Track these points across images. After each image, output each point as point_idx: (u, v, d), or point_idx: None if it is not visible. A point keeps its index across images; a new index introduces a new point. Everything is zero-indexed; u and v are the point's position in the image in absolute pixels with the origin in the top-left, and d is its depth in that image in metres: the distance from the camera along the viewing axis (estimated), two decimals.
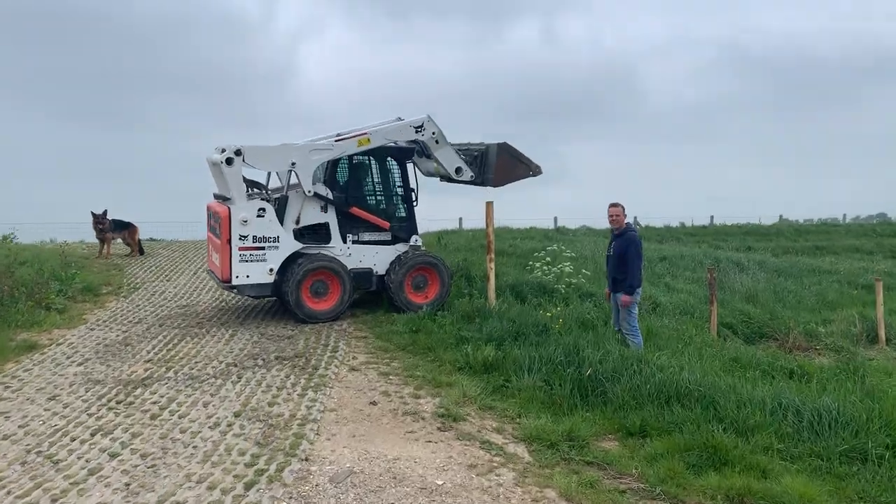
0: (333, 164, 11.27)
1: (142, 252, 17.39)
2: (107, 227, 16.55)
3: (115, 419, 6.70)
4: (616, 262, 9.10)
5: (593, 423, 6.69)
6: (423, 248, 12.05)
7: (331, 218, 11.18)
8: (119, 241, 17.58)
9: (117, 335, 10.10)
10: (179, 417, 6.75)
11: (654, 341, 9.66)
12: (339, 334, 10.11)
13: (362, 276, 11.34)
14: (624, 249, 8.99)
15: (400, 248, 11.67)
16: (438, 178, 12.59)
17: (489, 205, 11.78)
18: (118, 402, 7.21)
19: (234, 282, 10.41)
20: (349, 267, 11.18)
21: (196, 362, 8.68)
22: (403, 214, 11.88)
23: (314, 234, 11.14)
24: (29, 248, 17.24)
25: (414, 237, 11.75)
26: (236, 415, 6.79)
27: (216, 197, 11.14)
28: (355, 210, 11.30)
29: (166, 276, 14.96)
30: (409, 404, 7.19)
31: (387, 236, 11.67)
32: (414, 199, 11.92)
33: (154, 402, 7.18)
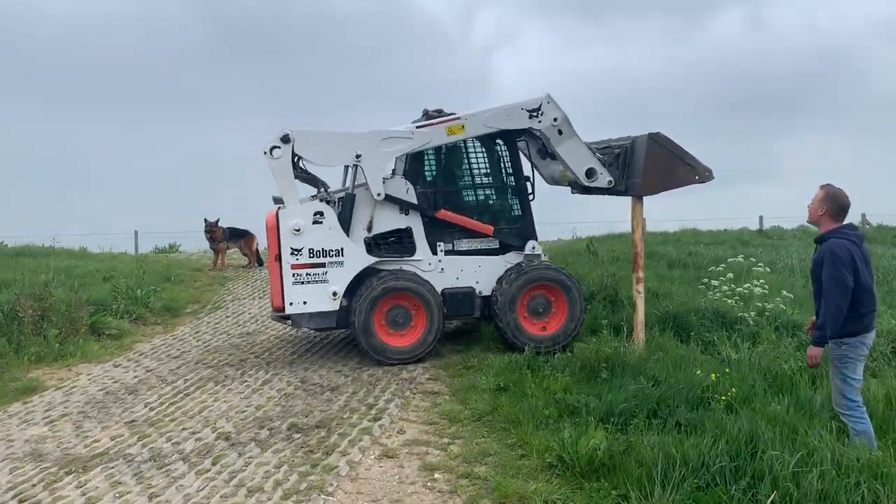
0: (417, 152, 8.38)
1: (260, 263, 15.61)
2: (219, 235, 14.94)
3: None
4: (817, 287, 5.34)
5: None
6: (546, 259, 8.80)
7: (415, 221, 8.31)
8: (235, 250, 16.01)
9: (136, 375, 7.94)
10: None
11: None
12: (403, 386, 7.17)
13: (460, 298, 8.32)
14: (815, 267, 5.22)
15: (511, 258, 8.54)
16: (570, 188, 9.25)
17: (636, 202, 8.25)
18: (21, 502, 4.84)
19: (288, 310, 7.87)
20: (441, 287, 8.26)
21: (184, 429, 6.17)
22: (515, 213, 8.72)
23: (393, 243, 8.34)
24: (117, 257, 16.15)
25: (531, 243, 8.54)
26: None
27: (275, 201, 8.67)
28: (445, 214, 8.33)
29: (264, 291, 12.92)
30: None
31: (493, 243, 8.57)
32: (529, 191, 8.71)
33: None
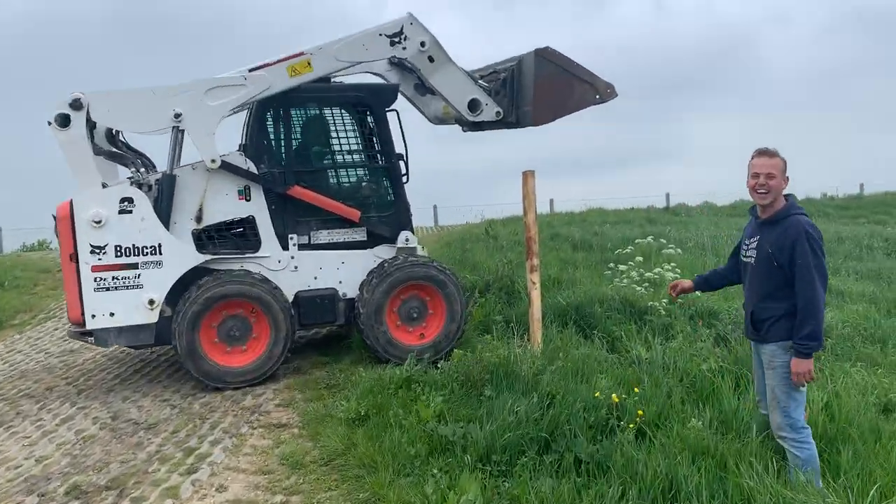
0: (258, 118, 6.82)
1: None
2: None
3: None
4: (762, 276, 4.17)
5: None
6: (425, 254, 7.45)
7: (258, 209, 6.71)
8: None
9: None
10: None
11: (843, 441, 4.60)
12: (241, 418, 5.65)
13: (318, 302, 6.81)
14: (782, 250, 4.04)
15: (382, 252, 7.10)
16: (459, 126, 7.83)
17: (528, 176, 6.96)
18: None
19: (90, 324, 6.18)
20: (294, 289, 6.76)
21: None
22: (387, 198, 7.28)
23: (231, 237, 6.77)
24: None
25: (404, 234, 7.14)
26: None
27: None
28: (299, 191, 6.77)
29: None
30: None
31: (359, 235, 7.13)
32: (403, 171, 7.30)
33: None
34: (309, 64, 6.50)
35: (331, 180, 7.13)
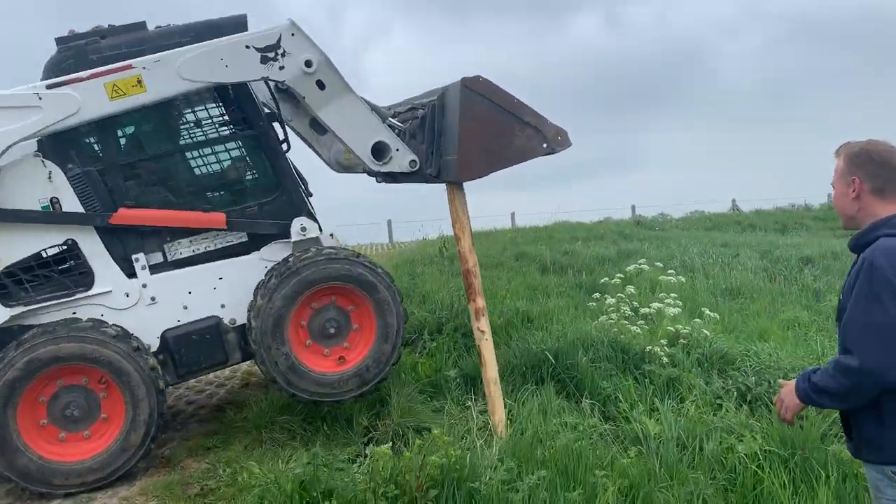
0: None
1: None
2: None
3: None
4: (839, 343, 2.48)
5: None
6: (335, 243, 5.45)
7: (80, 229, 4.76)
8: None
9: None
10: None
11: None
12: None
13: (196, 341, 4.92)
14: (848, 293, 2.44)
15: (273, 253, 5.14)
16: (372, 177, 5.88)
17: (452, 191, 5.02)
18: None
19: None
20: (160, 330, 4.85)
21: None
22: (263, 179, 5.35)
23: (50, 276, 4.79)
24: None
25: (299, 222, 5.13)
26: None
27: None
28: (126, 216, 4.81)
29: None
30: None
31: (238, 236, 5.17)
32: (281, 139, 5.39)
33: None
34: (140, 82, 4.55)
35: (175, 174, 5.16)
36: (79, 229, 4.69)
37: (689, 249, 12.12)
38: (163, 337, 4.84)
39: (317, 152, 5.91)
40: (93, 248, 4.74)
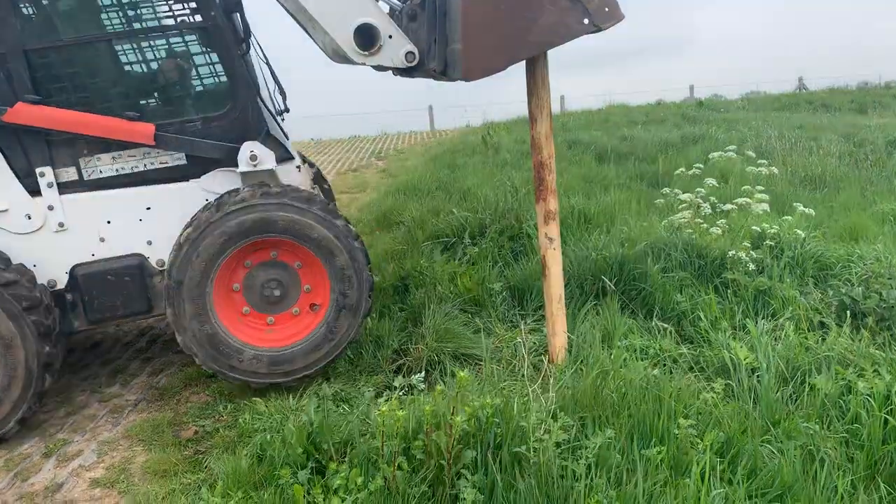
0: None
1: None
2: None
3: None
4: None
5: None
6: (298, 176, 4.38)
7: None
8: None
9: None
10: None
11: None
12: None
13: (113, 282, 3.99)
14: None
15: (216, 183, 4.11)
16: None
17: (536, 62, 3.86)
18: None
19: None
20: (69, 264, 3.99)
21: None
22: (211, 87, 4.34)
23: None
24: None
25: (247, 148, 4.02)
26: None
27: None
28: (25, 111, 3.75)
29: None
30: None
31: (175, 157, 4.09)
32: (235, 33, 4.14)
33: None
34: None
35: (97, 68, 4.02)
36: None
37: (762, 132, 10.78)
38: (72, 273, 3.98)
39: (311, 36, 4.77)
40: None
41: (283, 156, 4.27)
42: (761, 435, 3.09)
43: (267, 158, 4.04)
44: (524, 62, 3.83)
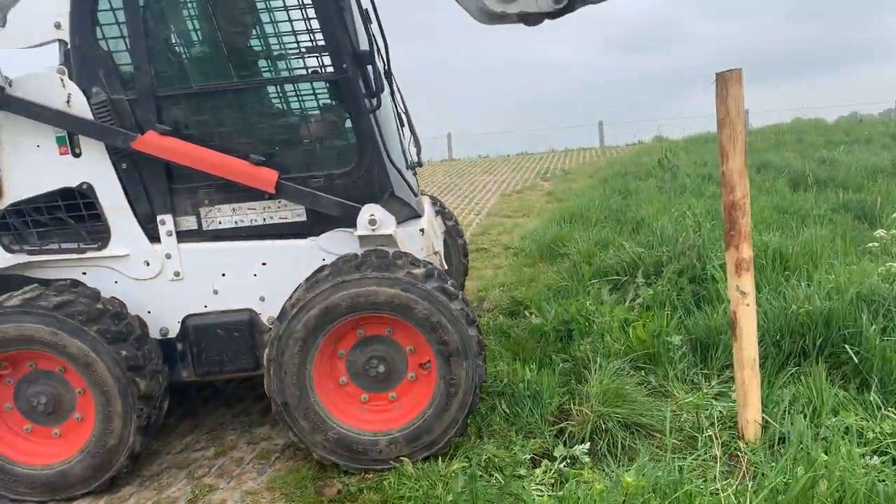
0: None
1: None
2: None
3: None
4: None
5: None
6: (421, 242, 3.93)
7: (97, 170, 3.72)
8: None
9: None
10: None
11: None
12: None
13: (223, 337, 3.83)
14: None
15: (334, 243, 3.82)
16: (524, 23, 3.78)
17: (730, 81, 3.33)
18: None
19: None
20: (181, 314, 3.86)
21: None
22: (338, 141, 4.00)
23: (61, 222, 3.82)
24: None
25: (367, 211, 3.71)
26: None
27: None
28: (156, 142, 3.64)
29: None
30: None
31: (295, 213, 3.84)
32: (372, 89, 3.76)
33: None
34: None
35: (229, 111, 3.81)
36: (99, 171, 3.71)
37: None
38: (184, 323, 3.85)
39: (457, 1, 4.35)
40: (112, 196, 3.74)
41: (409, 215, 4.02)
42: None
43: (387, 223, 3.74)
44: (714, 87, 3.32)
